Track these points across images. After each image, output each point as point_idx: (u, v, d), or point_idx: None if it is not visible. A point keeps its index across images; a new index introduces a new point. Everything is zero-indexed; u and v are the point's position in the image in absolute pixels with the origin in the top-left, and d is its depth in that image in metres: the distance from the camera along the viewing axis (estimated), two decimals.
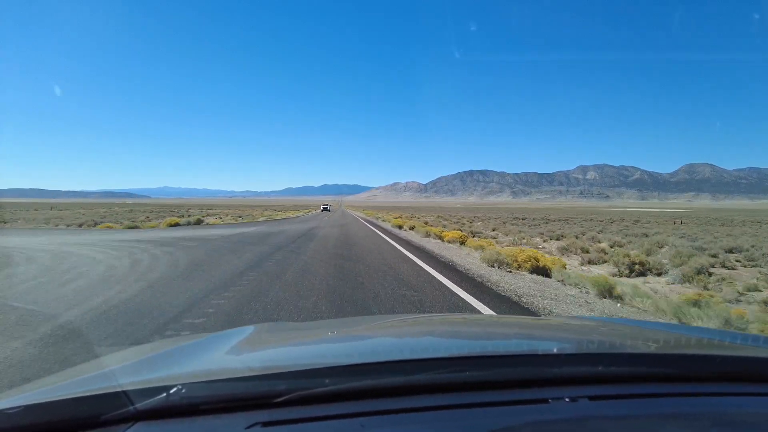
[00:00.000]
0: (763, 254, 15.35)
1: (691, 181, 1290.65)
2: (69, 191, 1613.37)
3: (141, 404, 0.83)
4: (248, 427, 0.79)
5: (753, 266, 13.98)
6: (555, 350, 1.19)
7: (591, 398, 0.93)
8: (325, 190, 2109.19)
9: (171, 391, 0.84)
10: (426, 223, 28.76)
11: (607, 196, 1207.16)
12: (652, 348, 1.32)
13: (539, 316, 4.59)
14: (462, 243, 13.95)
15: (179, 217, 33.19)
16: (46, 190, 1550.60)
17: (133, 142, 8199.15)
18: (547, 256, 9.84)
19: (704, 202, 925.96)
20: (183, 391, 0.85)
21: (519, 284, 6.54)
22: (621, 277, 10.98)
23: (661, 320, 4.85)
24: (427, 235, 18.04)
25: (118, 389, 0.85)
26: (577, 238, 21.60)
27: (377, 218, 39.06)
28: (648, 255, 13.84)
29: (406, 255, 10.10)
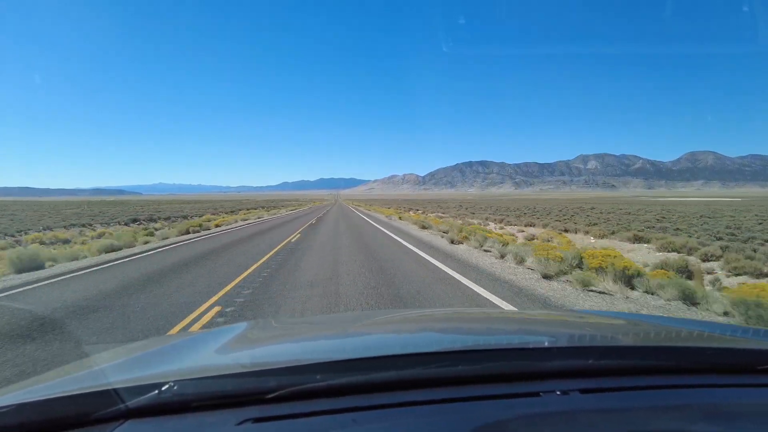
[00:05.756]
0: None
1: (694, 169, 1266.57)
2: (59, 189, 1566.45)
3: (132, 402, 0.82)
4: (239, 424, 0.78)
5: None
6: (546, 343, 1.18)
7: (582, 391, 0.92)
8: (321, 184, 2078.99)
9: (162, 389, 0.83)
10: None
11: (613, 185, 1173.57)
12: (643, 341, 1.32)
13: (533, 311, 4.51)
14: None
15: None
16: (35, 188, 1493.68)
17: (125, 138, 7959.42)
18: None
19: (714, 190, 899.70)
20: (175, 388, 0.84)
21: None
22: None
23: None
24: None
25: (109, 387, 0.84)
26: None
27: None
28: None
29: None
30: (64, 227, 26.03)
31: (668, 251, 13.32)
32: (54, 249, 12.99)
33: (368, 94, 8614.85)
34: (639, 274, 6.37)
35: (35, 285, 7.23)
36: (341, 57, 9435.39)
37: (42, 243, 15.59)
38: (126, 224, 28.56)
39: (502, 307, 5.25)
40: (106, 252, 11.59)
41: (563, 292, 6.17)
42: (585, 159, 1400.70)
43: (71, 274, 8.20)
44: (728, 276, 9.57)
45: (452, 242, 12.77)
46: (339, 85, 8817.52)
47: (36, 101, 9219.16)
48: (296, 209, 57.69)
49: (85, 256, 10.93)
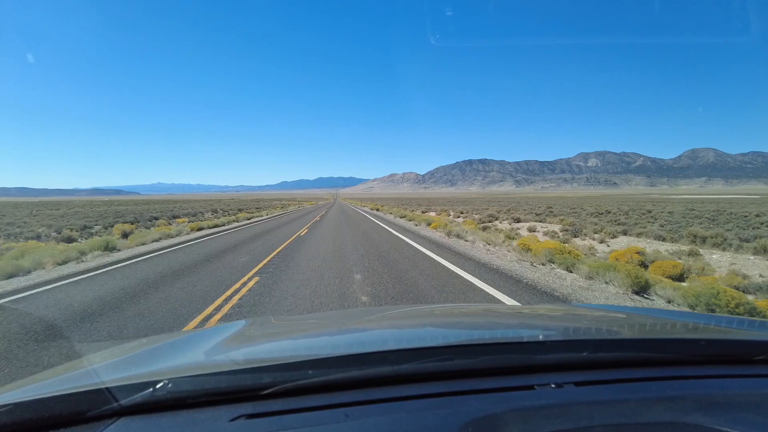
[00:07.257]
0: None
1: (695, 166, 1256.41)
2: (57, 189, 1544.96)
3: (125, 400, 0.83)
4: (232, 420, 0.79)
5: None
6: (541, 337, 1.18)
7: (577, 384, 0.93)
8: (320, 183, 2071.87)
9: (157, 387, 0.84)
10: None
11: (614, 183, 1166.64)
12: (637, 333, 1.33)
13: (528, 305, 4.57)
14: None
15: None
16: (33, 188, 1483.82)
17: (125, 138, 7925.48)
18: None
19: (717, 187, 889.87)
20: (169, 386, 0.85)
21: None
22: None
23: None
24: None
25: (102, 386, 0.85)
26: None
27: None
28: None
29: None
30: None
31: None
32: None
33: (368, 94, 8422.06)
34: None
35: None
36: (341, 56, 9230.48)
37: None
38: None
39: None
40: None
41: None
42: (586, 157, 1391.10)
43: None
44: None
45: None
46: (339, 85, 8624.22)
47: (34, 100, 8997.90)
48: (258, 218, 28.08)
49: None
